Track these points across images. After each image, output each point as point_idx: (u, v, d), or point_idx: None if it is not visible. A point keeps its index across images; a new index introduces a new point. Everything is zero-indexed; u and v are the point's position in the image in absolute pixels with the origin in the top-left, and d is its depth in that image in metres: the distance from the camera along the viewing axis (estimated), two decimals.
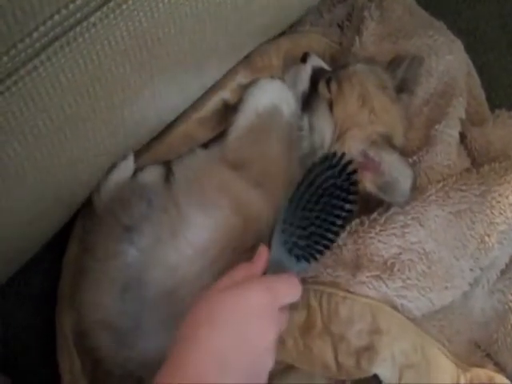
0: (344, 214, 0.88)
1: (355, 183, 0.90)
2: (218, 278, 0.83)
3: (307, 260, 0.87)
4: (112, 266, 1.01)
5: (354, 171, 0.89)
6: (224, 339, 0.75)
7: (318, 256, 0.88)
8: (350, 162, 0.89)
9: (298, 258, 0.87)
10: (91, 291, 1.04)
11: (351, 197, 0.88)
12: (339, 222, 0.88)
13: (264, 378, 0.79)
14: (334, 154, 0.90)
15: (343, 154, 0.89)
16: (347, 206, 0.88)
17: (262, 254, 0.87)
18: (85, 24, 0.73)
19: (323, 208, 0.87)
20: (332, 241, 0.88)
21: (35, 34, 0.68)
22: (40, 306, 1.19)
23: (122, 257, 1.01)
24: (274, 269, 0.87)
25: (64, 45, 0.72)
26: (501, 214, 1.04)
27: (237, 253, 0.99)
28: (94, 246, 1.06)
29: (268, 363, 0.79)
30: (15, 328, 1.19)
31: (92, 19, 0.73)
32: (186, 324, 0.77)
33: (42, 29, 0.68)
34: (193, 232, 1.00)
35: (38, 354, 1.18)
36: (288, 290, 0.84)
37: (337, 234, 0.88)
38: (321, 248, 0.87)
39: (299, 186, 0.89)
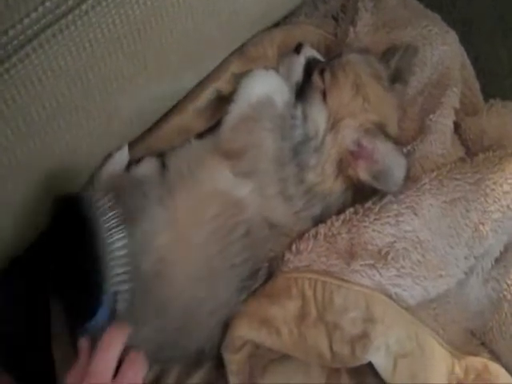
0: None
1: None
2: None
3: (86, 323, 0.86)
4: None
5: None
6: None
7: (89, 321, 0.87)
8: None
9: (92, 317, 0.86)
10: None
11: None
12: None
13: None
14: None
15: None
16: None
17: (83, 349, 0.86)
18: (77, 11, 0.73)
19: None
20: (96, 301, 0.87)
21: (27, 21, 0.68)
22: (36, 302, 1.18)
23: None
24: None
25: (56, 32, 0.72)
26: (495, 202, 1.04)
27: (225, 239, 1.01)
28: None
29: None
30: (11, 326, 1.19)
31: (84, 6, 0.73)
32: None
33: (33, 15, 0.68)
34: (186, 225, 1.01)
35: (35, 350, 1.18)
36: (106, 363, 0.82)
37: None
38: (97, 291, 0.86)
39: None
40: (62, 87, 0.79)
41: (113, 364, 0.82)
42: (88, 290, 0.85)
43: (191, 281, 0.99)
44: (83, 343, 0.86)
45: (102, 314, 0.86)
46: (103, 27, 0.77)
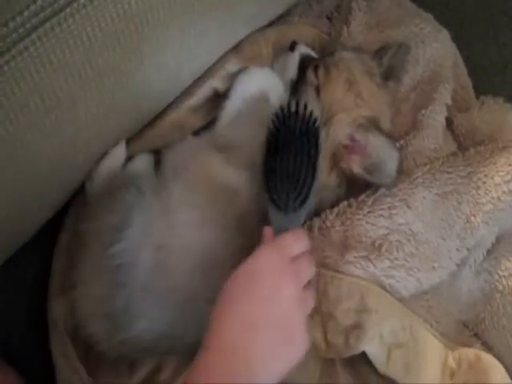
0: (314, 146, 0.93)
1: (314, 122, 0.94)
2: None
3: (303, 204, 0.91)
4: (103, 257, 1.02)
5: (310, 113, 0.94)
6: (246, 304, 0.80)
7: (308, 198, 0.92)
8: (297, 103, 0.94)
9: (294, 211, 0.91)
10: (83, 283, 1.05)
11: (315, 134, 0.94)
12: (312, 157, 0.92)
13: (300, 328, 0.82)
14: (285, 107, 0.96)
15: (292, 103, 0.95)
16: (315, 147, 0.93)
17: (268, 235, 0.91)
18: (75, 5, 0.74)
19: (295, 157, 0.92)
20: (313, 180, 0.92)
21: (26, 13, 0.70)
22: (34, 294, 1.19)
23: (113, 246, 1.02)
24: None
25: (55, 25, 0.74)
26: (486, 194, 1.06)
27: (224, 227, 1.03)
28: (85, 236, 1.07)
29: (298, 314, 0.82)
30: (9, 317, 1.20)
31: (82, 0, 0.75)
32: (214, 307, 0.82)
33: (32, 8, 0.70)
34: (181, 211, 1.03)
35: (33, 341, 1.19)
36: (294, 240, 0.88)
37: (314, 168, 0.92)
38: (306, 190, 0.91)
39: (268, 149, 0.94)
40: (60, 80, 0.80)
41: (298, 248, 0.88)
42: (304, 183, 0.92)
43: (189, 270, 1.00)
44: (269, 232, 0.91)
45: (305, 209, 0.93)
46: (100, 21, 0.79)
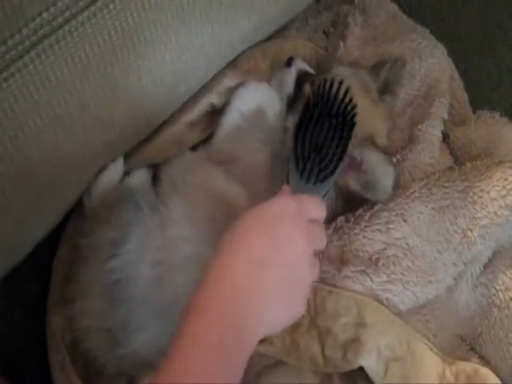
0: (348, 128, 0.93)
1: (351, 99, 0.94)
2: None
3: (325, 180, 0.91)
4: (101, 271, 1.03)
5: (347, 91, 0.94)
6: (258, 239, 0.75)
7: (331, 176, 0.91)
8: (340, 83, 0.95)
9: (314, 183, 0.91)
10: (82, 297, 1.06)
11: (350, 112, 0.94)
12: (344, 138, 0.92)
13: (303, 289, 0.78)
14: (324, 83, 0.96)
15: (332, 80, 0.95)
16: (349, 122, 0.93)
17: (285, 191, 0.89)
18: (73, 23, 0.75)
19: (327, 131, 0.92)
20: (341, 157, 0.91)
21: (25, 31, 0.70)
22: (34, 307, 1.19)
23: (111, 261, 1.02)
24: None
25: (53, 43, 0.74)
26: (482, 208, 1.06)
27: None
28: (84, 251, 1.07)
29: (305, 274, 0.78)
30: (9, 329, 1.20)
31: (80, 18, 0.75)
32: (222, 239, 0.77)
33: (31, 25, 0.70)
34: (180, 226, 1.03)
35: (32, 355, 1.19)
36: (313, 203, 0.85)
37: (344, 148, 0.92)
38: (332, 167, 0.91)
39: (300, 120, 0.94)
40: (58, 97, 0.81)
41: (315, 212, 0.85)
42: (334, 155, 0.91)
43: (188, 284, 1.00)
44: (286, 190, 0.89)
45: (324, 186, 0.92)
46: (98, 39, 0.80)
